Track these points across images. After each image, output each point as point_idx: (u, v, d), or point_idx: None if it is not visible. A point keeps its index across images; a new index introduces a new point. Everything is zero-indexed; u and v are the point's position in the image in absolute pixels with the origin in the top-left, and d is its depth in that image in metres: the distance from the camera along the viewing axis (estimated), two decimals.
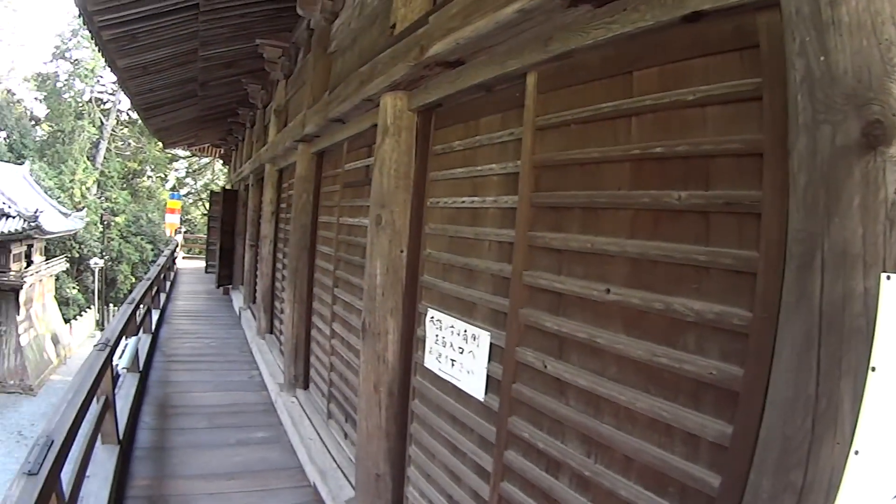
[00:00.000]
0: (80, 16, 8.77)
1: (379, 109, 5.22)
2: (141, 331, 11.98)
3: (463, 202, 4.36)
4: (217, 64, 14.08)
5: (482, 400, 3.97)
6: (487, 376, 3.94)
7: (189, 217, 61.88)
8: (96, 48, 10.82)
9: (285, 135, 10.48)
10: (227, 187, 26.89)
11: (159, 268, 17.75)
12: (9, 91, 58.94)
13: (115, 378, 8.02)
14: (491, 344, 3.92)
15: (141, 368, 10.54)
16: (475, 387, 4.05)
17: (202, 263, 31.01)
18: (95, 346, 6.97)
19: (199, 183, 65.97)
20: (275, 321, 12.82)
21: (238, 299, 19.20)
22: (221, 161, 39.91)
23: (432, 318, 4.64)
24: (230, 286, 22.12)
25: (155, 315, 15.35)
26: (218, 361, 12.67)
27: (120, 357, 8.57)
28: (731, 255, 2.34)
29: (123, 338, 8.80)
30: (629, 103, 2.87)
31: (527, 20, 3.21)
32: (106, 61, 11.81)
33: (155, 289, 15.87)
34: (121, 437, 7.24)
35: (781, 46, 2.07)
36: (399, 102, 4.97)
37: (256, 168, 15.76)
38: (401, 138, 4.94)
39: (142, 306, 11.92)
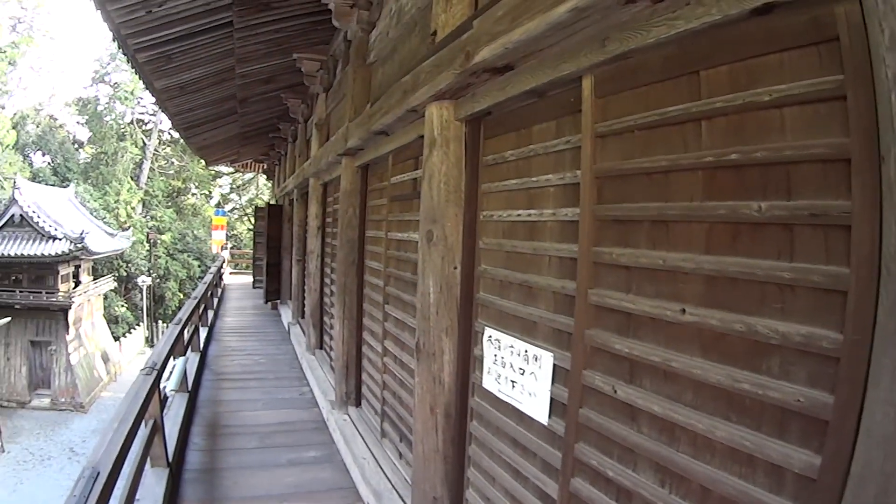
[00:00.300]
0: (114, 40, 8.81)
1: (424, 120, 5.05)
2: (189, 350, 11.99)
3: (518, 215, 4.17)
4: (255, 80, 14.12)
5: (546, 424, 3.78)
6: (551, 399, 3.75)
7: (235, 232, 62.70)
8: (133, 71, 10.90)
9: (328, 149, 10.36)
10: (272, 202, 27.12)
11: (206, 285, 17.82)
12: (51, 116, 60.82)
13: (164, 400, 7.95)
14: (554, 365, 3.72)
15: (190, 388, 10.53)
16: (538, 410, 3.87)
17: (249, 278, 31.30)
18: (142, 370, 6.88)
19: (244, 198, 67.15)
20: (324, 337, 12.74)
21: (286, 314, 19.21)
22: (265, 176, 40.55)
23: (490, 337, 4.47)
24: (278, 301, 22.16)
25: (203, 333, 15.39)
26: (268, 378, 12.62)
27: (168, 379, 8.48)
28: (818, 271, 2.15)
29: (171, 359, 8.76)
30: (698, 106, 2.67)
31: (581, 19, 3.00)
32: (143, 83, 11.87)
33: (202, 307, 15.84)
34: (170, 459, 7.18)
35: (864, 39, 1.90)
36: (445, 112, 4.80)
37: (300, 183, 15.74)
38: (449, 150, 4.77)
39: (189, 325, 11.90)
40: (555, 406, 3.73)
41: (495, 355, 4.40)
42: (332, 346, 11.11)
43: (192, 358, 12.52)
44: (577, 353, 3.44)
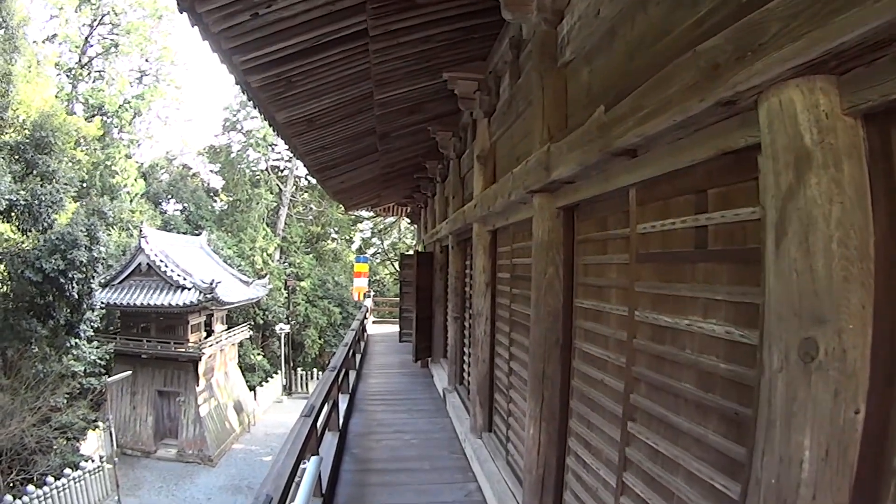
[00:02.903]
0: (220, 60, 7.11)
1: (762, 118, 2.73)
2: (326, 432, 10.18)
3: None
4: (397, 110, 12.25)
5: None
6: None
7: (377, 277, 62.80)
8: (249, 101, 9.16)
9: (505, 186, 7.82)
10: (419, 249, 25.53)
11: (347, 346, 15.62)
12: (184, 165, 63.83)
13: None
14: None
15: (325, 490, 8.43)
16: None
17: (393, 328, 30.30)
18: (256, 500, 4.86)
19: (386, 242, 67.26)
20: (495, 417, 10.31)
21: (440, 377, 17.08)
22: (408, 219, 40.05)
23: None
24: (429, 359, 20.18)
25: (343, 404, 13.37)
26: (423, 470, 10.31)
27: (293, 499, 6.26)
28: None
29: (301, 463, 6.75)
30: None
31: None
32: (263, 117, 10.13)
33: (342, 374, 13.70)
34: None
35: None
36: (822, 99, 2.47)
37: (458, 229, 13.48)
38: (843, 172, 2.41)
39: (327, 402, 10.05)
40: None
41: None
42: (507, 434, 8.98)
43: (329, 442, 10.48)
44: None
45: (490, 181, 9.85)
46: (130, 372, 31.37)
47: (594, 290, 5.83)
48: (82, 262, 28.59)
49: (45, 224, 28.24)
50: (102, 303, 32.27)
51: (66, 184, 29.91)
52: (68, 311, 29.40)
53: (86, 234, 29.20)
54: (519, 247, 8.43)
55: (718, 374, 3.52)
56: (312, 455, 7.62)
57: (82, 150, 36.83)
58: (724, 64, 2.85)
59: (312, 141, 12.47)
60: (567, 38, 6.21)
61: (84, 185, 38.35)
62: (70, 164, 32.07)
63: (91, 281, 30.03)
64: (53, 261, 27.47)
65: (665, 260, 4.39)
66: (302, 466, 6.80)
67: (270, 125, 10.67)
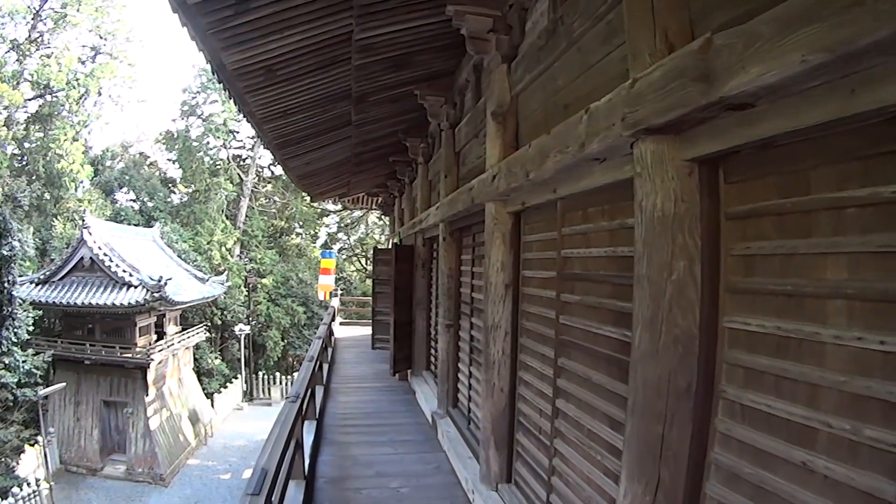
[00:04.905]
0: None
1: None
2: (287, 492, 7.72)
3: None
4: (380, 59, 9.97)
5: None
6: None
7: (343, 275, 61.21)
8: (190, 39, 6.78)
9: (568, 134, 5.08)
10: (396, 242, 23.05)
11: (312, 362, 12.67)
12: (141, 153, 62.00)
13: None
14: None
15: None
16: None
17: (363, 330, 28.94)
18: None
19: (353, 238, 66.35)
20: (517, 464, 7.87)
21: (425, 394, 14.81)
22: (379, 211, 38.66)
23: None
24: (409, 370, 17.89)
25: (309, 436, 10.96)
26: None
27: None
28: None
29: None
30: None
31: None
32: (208, 62, 7.78)
33: (308, 393, 11.20)
34: None
35: None
36: None
37: (455, 213, 10.81)
38: None
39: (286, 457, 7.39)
40: None
41: None
42: (547, 499, 6.56)
43: (293, 497, 8.05)
44: None
45: (511, 145, 7.65)
46: (64, 384, 29.51)
47: (776, 300, 3.24)
48: None
49: None
50: (42, 302, 30.36)
51: None
52: None
53: None
54: (575, 231, 6.00)
55: None
56: None
57: None
58: None
59: (272, 102, 10.25)
60: None
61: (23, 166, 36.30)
62: None
63: (5, 282, 27.01)
64: None
65: None
66: None
67: (219, 78, 8.47)
